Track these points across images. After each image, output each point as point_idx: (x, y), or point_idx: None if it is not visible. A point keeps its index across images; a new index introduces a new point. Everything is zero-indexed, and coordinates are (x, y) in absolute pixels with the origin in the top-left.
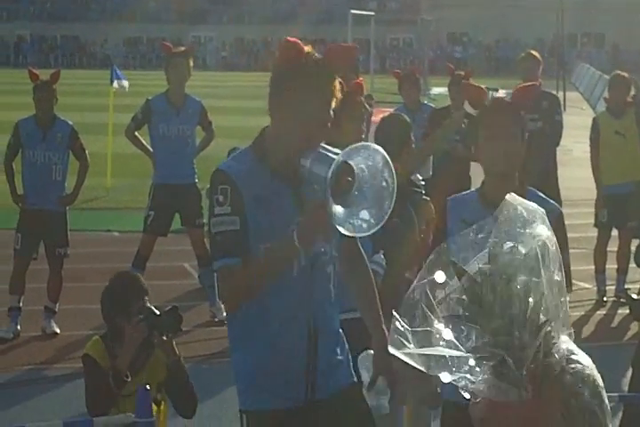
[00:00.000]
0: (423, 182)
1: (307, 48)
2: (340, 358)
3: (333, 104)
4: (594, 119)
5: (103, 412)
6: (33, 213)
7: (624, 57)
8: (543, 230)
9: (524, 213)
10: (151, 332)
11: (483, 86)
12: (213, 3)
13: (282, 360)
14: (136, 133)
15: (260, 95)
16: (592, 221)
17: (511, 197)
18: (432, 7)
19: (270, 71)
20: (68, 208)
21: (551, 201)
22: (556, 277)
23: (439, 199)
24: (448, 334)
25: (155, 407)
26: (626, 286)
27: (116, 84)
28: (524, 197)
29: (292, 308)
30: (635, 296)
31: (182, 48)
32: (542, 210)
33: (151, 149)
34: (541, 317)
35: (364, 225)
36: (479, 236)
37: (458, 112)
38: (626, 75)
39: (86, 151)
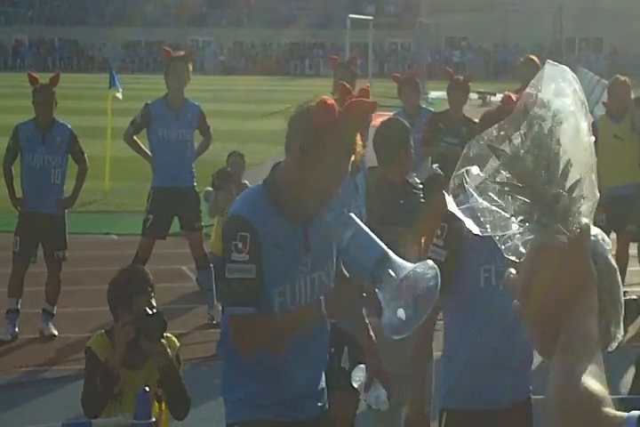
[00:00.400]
0: (422, 185)
1: (337, 107)
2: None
3: (353, 158)
4: (593, 123)
5: (95, 410)
6: (32, 216)
7: (622, 61)
8: (566, 101)
9: (543, 99)
10: (138, 334)
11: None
12: (212, 6)
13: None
14: (134, 138)
15: (258, 99)
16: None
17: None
18: (431, 11)
19: (295, 118)
20: (66, 211)
21: None
22: (587, 140)
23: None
24: (491, 203)
25: (157, 404)
26: (624, 290)
27: (112, 90)
28: None
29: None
30: (631, 297)
31: (182, 52)
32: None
33: (150, 153)
34: (575, 174)
35: (401, 327)
36: (501, 133)
37: None
38: (626, 79)
39: (85, 155)
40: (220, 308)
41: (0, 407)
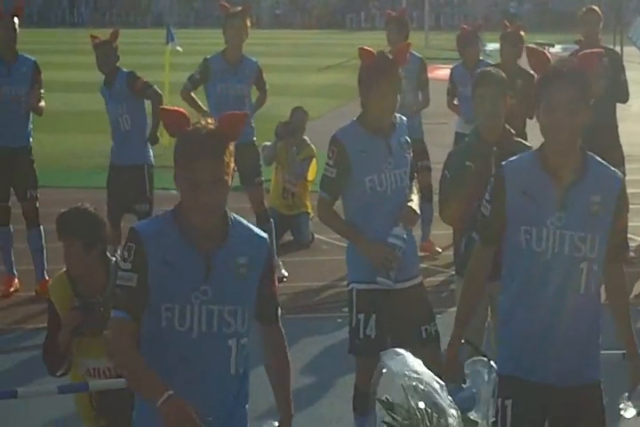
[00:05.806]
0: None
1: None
2: None
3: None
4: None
5: (53, 367)
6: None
7: None
8: None
9: None
10: (83, 322)
11: (545, 50)
12: None
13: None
14: (192, 94)
15: (314, 53)
16: None
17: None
18: None
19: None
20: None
21: (612, 168)
22: None
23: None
24: None
25: None
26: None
27: (170, 45)
28: (584, 165)
29: None
30: None
31: (239, 8)
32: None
33: (207, 110)
34: None
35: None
36: None
37: None
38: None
39: (153, 87)
40: (280, 263)
41: None
